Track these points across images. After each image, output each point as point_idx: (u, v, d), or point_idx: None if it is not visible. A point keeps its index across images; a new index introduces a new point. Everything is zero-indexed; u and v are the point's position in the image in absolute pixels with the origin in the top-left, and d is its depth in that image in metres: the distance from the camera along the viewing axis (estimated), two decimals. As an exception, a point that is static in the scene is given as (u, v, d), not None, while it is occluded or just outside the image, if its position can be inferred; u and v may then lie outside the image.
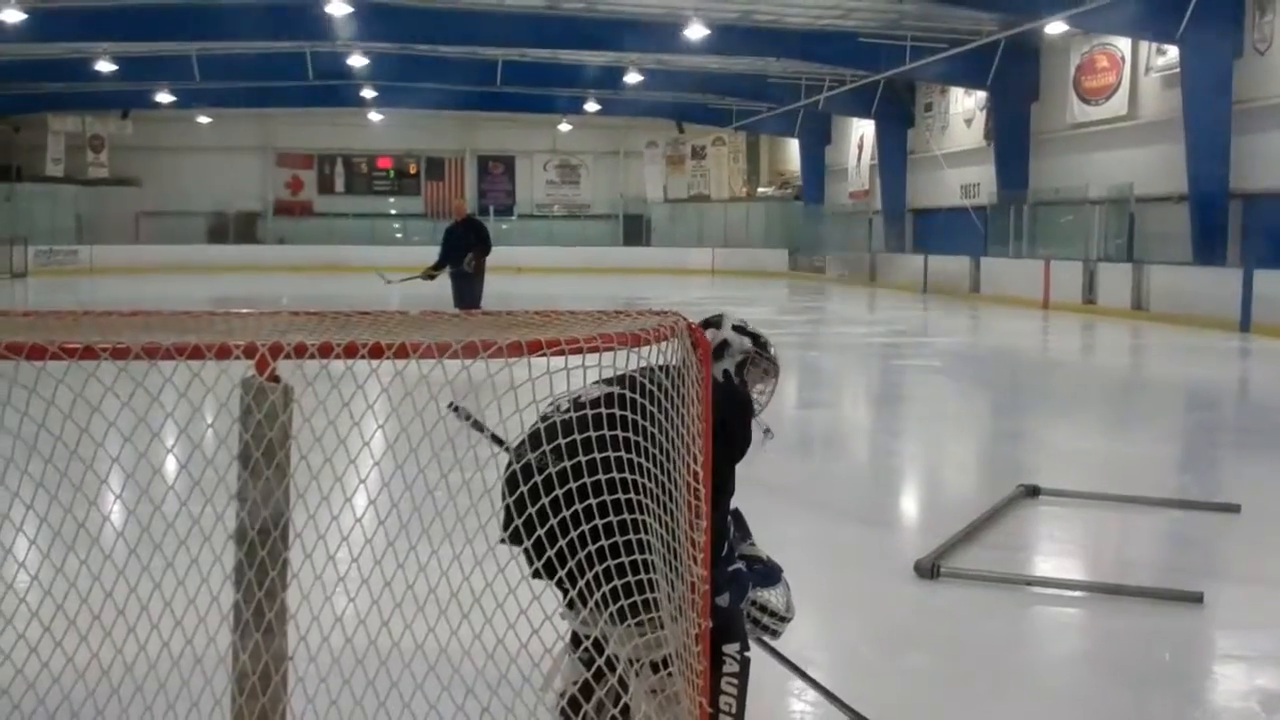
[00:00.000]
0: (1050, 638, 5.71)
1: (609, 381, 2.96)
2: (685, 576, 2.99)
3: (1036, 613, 5.97)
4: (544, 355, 2.53)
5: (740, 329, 3.77)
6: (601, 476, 2.81)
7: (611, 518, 2.82)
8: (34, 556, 2.81)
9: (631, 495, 2.83)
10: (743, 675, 3.47)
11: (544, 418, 3.16)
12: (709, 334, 3.71)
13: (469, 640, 2.72)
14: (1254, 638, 5.66)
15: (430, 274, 17.64)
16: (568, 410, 3.04)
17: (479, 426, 3.68)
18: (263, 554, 2.52)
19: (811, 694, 4.45)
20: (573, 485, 2.83)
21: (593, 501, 2.81)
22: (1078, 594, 6.19)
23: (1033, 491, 8.03)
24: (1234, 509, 7.78)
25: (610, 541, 2.82)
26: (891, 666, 5.20)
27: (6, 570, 2.80)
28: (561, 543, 2.84)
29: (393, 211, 51.60)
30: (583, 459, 2.83)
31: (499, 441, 3.56)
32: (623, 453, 2.82)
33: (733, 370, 3.71)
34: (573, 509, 2.82)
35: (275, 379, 2.50)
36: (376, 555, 2.81)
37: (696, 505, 2.96)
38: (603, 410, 2.85)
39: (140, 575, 2.66)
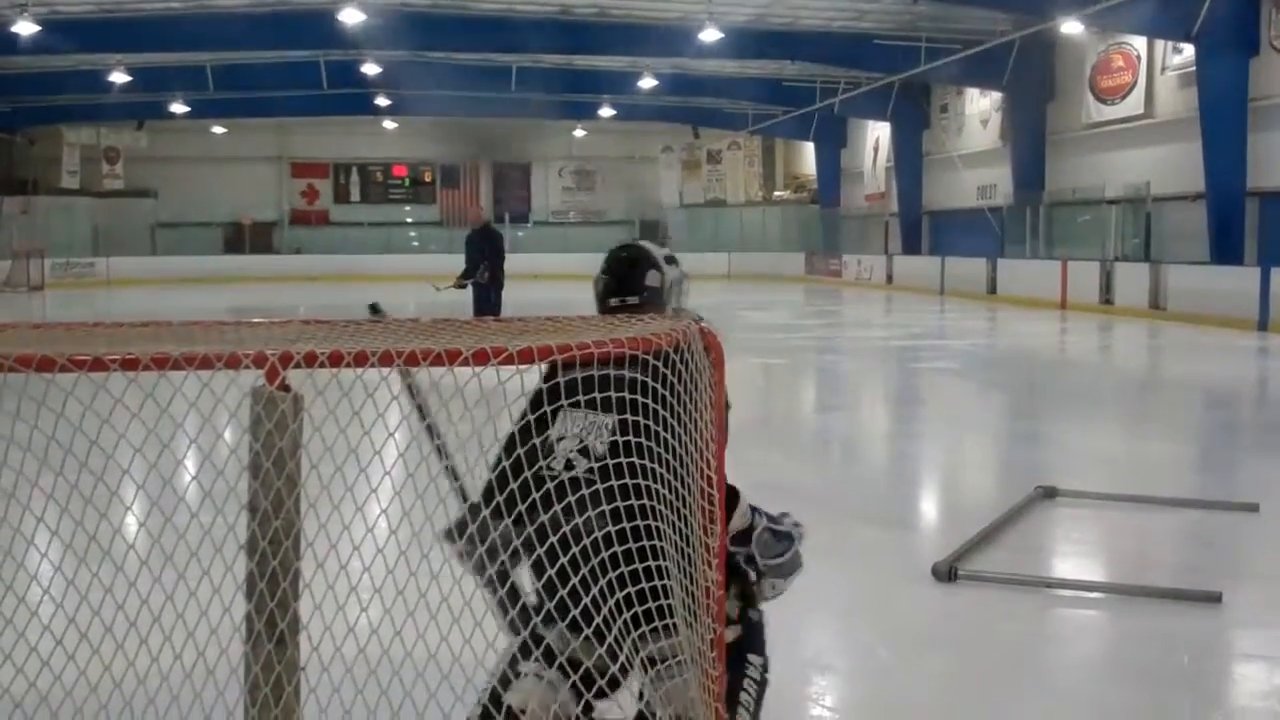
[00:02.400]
0: (1068, 639, 5.68)
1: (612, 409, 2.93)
2: (700, 581, 2.97)
3: (1054, 614, 5.95)
4: (555, 361, 2.52)
5: (670, 259, 3.61)
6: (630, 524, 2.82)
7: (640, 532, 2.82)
8: (45, 569, 2.81)
9: (647, 501, 2.83)
10: (762, 687, 3.45)
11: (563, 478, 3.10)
12: (651, 276, 3.56)
13: (483, 649, 2.72)
14: (1274, 637, 5.63)
15: (460, 284, 17.55)
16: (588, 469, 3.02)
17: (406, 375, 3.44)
18: (274, 564, 2.51)
19: (831, 699, 4.43)
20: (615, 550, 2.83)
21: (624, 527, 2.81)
22: (1096, 595, 6.16)
23: (1050, 493, 8.00)
24: (1253, 508, 7.74)
25: (624, 548, 2.82)
26: (909, 669, 5.18)
27: (18, 584, 2.80)
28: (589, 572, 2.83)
29: (408, 220, 51.72)
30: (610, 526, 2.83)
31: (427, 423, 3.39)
32: (636, 499, 2.81)
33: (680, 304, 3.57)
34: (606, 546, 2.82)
35: (285, 388, 2.50)
36: (389, 564, 2.80)
37: (711, 510, 2.95)
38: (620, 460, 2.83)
39: (152, 587, 2.66)
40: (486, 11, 30.31)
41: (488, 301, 17.28)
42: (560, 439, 3.22)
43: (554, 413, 3.19)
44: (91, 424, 2.61)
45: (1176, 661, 5.30)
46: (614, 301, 3.59)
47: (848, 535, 7.47)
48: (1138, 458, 10.38)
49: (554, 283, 34.89)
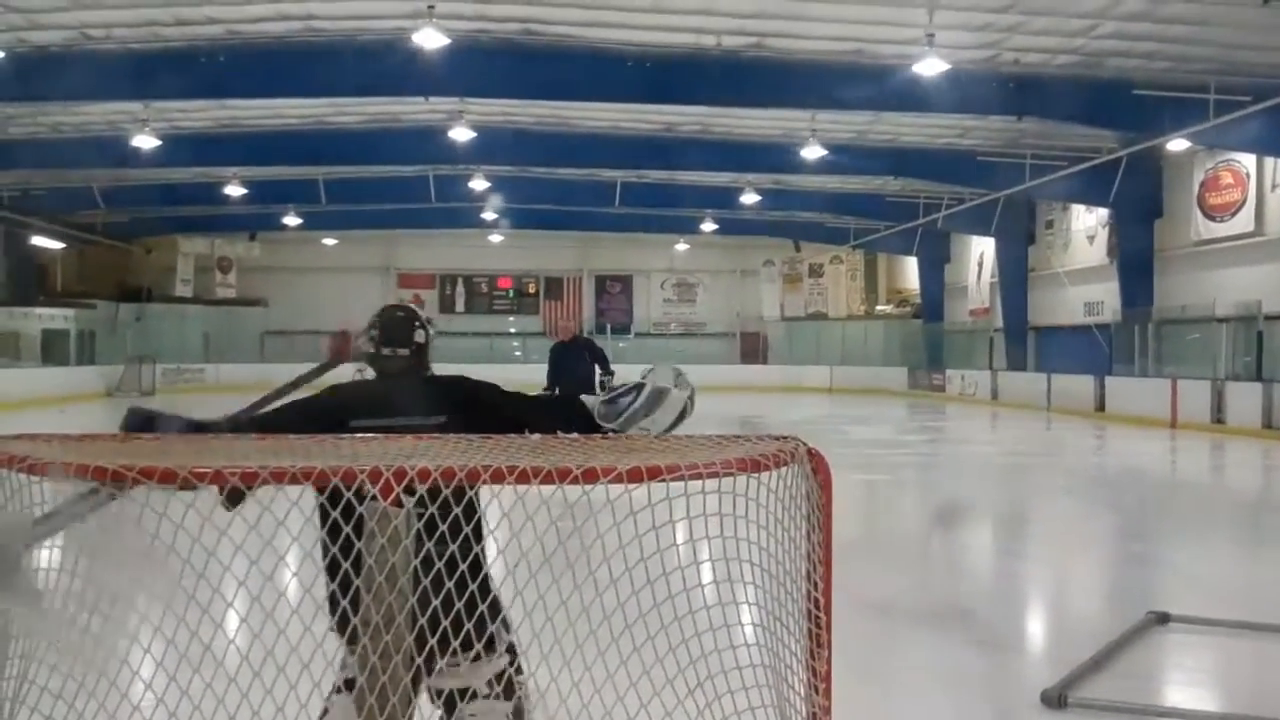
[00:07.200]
0: (1186, 773, 5.51)
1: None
2: (805, 707, 2.93)
3: (1170, 746, 5.77)
4: (663, 481, 2.53)
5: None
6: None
7: None
8: (160, 679, 2.84)
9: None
10: None
11: None
12: (418, 334, 4.14)
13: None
14: (1404, 776, 5.41)
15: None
16: None
17: None
18: (384, 679, 2.52)
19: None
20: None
21: None
22: (1213, 727, 5.98)
23: (1163, 618, 7.81)
24: (1378, 639, 7.49)
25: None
26: (1019, 800, 5.05)
27: (133, 692, 2.83)
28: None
29: (512, 330, 52.30)
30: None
31: None
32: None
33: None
34: None
35: (399, 504, 2.52)
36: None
37: (817, 634, 2.92)
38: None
39: (263, 699, 2.68)
40: (591, 129, 30.79)
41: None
42: None
43: None
44: (209, 536, 2.65)
45: (1299, 799, 5.12)
46: (386, 351, 4.13)
47: (955, 659, 7.35)
48: (1254, 583, 10.09)
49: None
